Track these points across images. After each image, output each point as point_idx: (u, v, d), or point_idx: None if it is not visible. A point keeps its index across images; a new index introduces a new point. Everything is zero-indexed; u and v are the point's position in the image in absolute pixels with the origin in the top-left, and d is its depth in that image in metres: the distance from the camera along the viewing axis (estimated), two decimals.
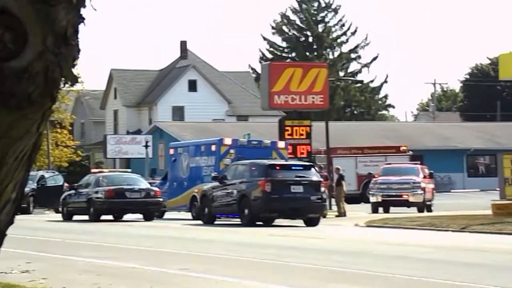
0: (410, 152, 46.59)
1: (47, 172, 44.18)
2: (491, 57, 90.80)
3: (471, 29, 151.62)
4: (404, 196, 35.35)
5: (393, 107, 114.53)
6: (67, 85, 2.34)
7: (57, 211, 36.49)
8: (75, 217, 31.85)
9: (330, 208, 33.73)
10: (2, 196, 2.23)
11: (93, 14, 2.44)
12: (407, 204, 35.51)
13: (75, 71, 2.30)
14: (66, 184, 39.77)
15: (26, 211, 36.79)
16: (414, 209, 35.29)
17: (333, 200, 34.57)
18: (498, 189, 25.91)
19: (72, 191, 32.49)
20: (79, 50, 2.29)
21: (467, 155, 61.54)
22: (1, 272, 11.65)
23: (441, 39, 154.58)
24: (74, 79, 2.31)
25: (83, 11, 2.30)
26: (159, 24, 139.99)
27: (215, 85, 66.85)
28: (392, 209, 35.41)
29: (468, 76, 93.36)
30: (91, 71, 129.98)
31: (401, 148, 46.68)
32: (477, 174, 61.44)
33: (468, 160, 61.88)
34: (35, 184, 38.93)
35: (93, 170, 38.07)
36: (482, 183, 57.71)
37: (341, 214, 32.87)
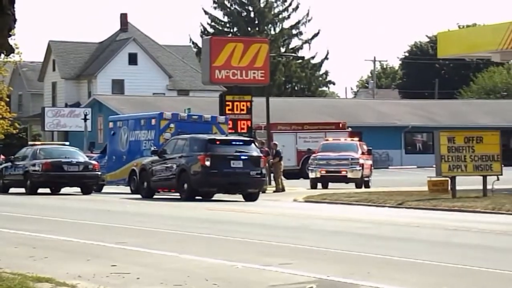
0: (349, 129, 46.97)
1: None
2: (430, 35, 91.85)
3: (411, 7, 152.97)
4: (343, 172, 35.65)
5: (334, 83, 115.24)
6: (3, 55, 2.31)
7: None
8: (12, 190, 31.46)
9: (270, 184, 33.88)
10: None
11: None
12: (346, 180, 35.83)
13: (11, 41, 2.27)
14: (2, 157, 39.20)
15: None
16: (352, 185, 35.64)
17: (272, 176, 34.72)
18: (434, 166, 26.28)
19: (9, 164, 32.06)
20: (15, 20, 2.26)
21: (405, 132, 62.28)
22: None
23: (381, 17, 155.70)
24: (10, 49, 2.28)
25: None
26: None
27: (155, 58, 66.36)
28: (330, 185, 35.71)
29: (407, 54, 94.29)
30: (29, 42, 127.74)
31: (341, 125, 47.03)
32: (415, 151, 62.27)
33: (406, 137, 62.64)
34: None
35: (31, 143, 37.55)
36: (419, 160, 58.53)
37: (279, 189, 33.05)
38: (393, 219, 19.58)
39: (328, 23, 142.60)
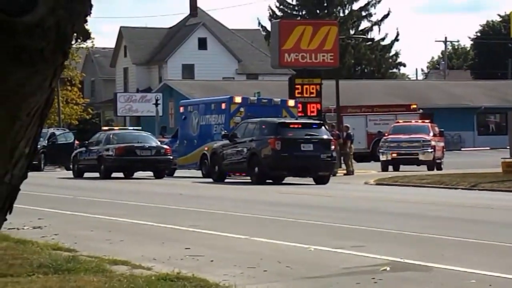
0: (421, 111, 46.47)
1: (57, 129, 44.32)
2: (502, 14, 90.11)
3: None
4: (414, 154, 35.36)
5: (404, 65, 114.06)
6: (79, 41, 2.35)
7: (68, 169, 36.68)
8: (86, 175, 32.02)
9: (340, 167, 33.79)
10: (15, 151, 2.26)
11: None
12: (417, 162, 35.53)
13: (86, 27, 2.31)
14: (76, 142, 39.92)
15: (37, 168, 36.98)
16: (424, 167, 35.32)
17: (342, 159, 34.60)
18: (508, 147, 25.87)
19: (83, 149, 32.61)
20: (91, 6, 2.29)
21: (478, 113, 61.35)
22: (14, 228, 11.77)
23: None
24: (86, 35, 2.32)
25: None
26: None
27: (225, 43, 66.59)
28: (402, 167, 35.45)
29: (479, 34, 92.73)
30: (101, 28, 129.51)
31: (412, 107, 46.56)
32: (487, 132, 61.30)
33: (479, 118, 61.71)
34: (46, 142, 39.09)
35: (104, 128, 38.15)
36: (492, 141, 57.61)
37: (350, 172, 32.94)
38: (466, 201, 19.36)
39: (398, 3, 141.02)
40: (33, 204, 16.56)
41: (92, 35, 50.45)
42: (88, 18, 2.35)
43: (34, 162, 2.48)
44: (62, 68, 2.33)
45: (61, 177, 33.18)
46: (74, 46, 2.53)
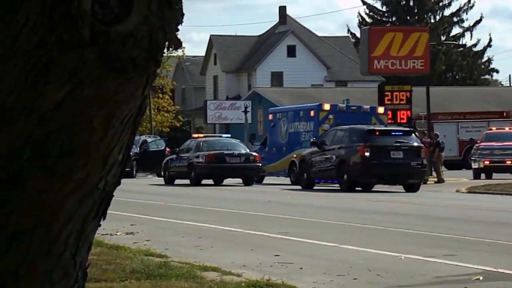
0: None
1: (149, 137, 45.02)
2: None
3: None
4: (508, 162, 34.64)
5: (497, 71, 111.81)
6: (171, 49, 2.38)
7: (159, 175, 37.19)
8: (177, 181, 32.41)
9: (431, 174, 33.33)
10: (109, 158, 2.30)
11: None
12: (511, 170, 34.78)
13: (178, 35, 2.33)
14: (167, 149, 40.46)
15: (130, 175, 37.63)
16: None
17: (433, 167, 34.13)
18: None
19: (174, 156, 33.04)
20: (182, 14, 2.32)
21: None
22: (107, 234, 11.99)
23: None
24: (178, 43, 2.34)
25: None
26: None
27: (313, 50, 66.55)
28: (494, 175, 34.75)
29: None
30: (191, 37, 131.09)
31: (505, 113, 45.61)
32: None
33: None
34: (138, 149, 39.74)
35: (194, 135, 38.56)
36: None
37: (441, 180, 32.46)
38: None
39: (491, 9, 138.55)
40: (126, 210, 16.84)
41: (183, 44, 51.12)
42: (179, 26, 2.37)
43: (126, 169, 2.51)
44: (154, 77, 2.35)
45: (152, 183, 33.67)
46: (165, 54, 2.55)
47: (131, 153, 2.45)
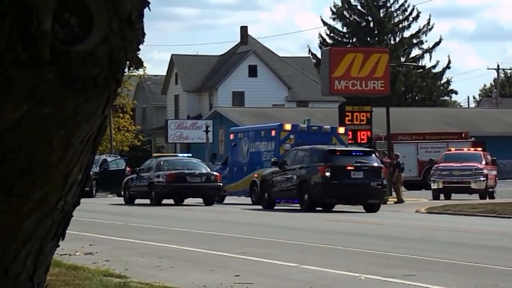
0: (472, 139, 45.98)
1: (109, 156, 44.75)
2: None
3: None
4: (466, 183, 34.96)
5: (456, 92, 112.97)
6: (132, 69, 2.38)
7: (119, 195, 36.95)
8: (137, 201, 32.22)
9: (391, 195, 33.53)
10: (68, 178, 2.28)
11: None
12: (469, 190, 35.11)
13: (139, 55, 2.33)
14: (128, 168, 40.23)
15: (89, 195, 37.32)
16: (476, 196, 34.87)
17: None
18: None
19: (134, 175, 32.86)
20: (143, 34, 2.31)
21: None
22: (66, 254, 11.87)
23: (504, 23, 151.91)
24: (138, 63, 2.34)
25: None
26: (220, 9, 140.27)
27: (275, 70, 66.81)
28: (453, 195, 35.05)
29: None
30: (152, 56, 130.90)
31: (463, 135, 46.10)
32: None
33: None
34: (98, 168, 39.47)
35: (154, 154, 38.41)
36: None
37: (400, 200, 32.68)
38: None
39: (449, 31, 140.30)
40: (85, 230, 16.69)
41: (144, 63, 51.01)
42: (140, 46, 2.37)
43: (86, 189, 2.50)
44: (115, 96, 2.35)
45: (112, 203, 33.44)
46: (126, 73, 2.55)
47: (91, 173, 2.43)
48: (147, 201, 31.27)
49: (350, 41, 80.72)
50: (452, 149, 39.03)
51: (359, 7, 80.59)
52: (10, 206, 2.16)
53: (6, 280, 2.19)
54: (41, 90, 2.15)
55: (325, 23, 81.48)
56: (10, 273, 2.20)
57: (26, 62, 2.12)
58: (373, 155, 27.59)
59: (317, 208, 26.45)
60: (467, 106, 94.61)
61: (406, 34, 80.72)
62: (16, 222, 2.19)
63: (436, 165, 36.76)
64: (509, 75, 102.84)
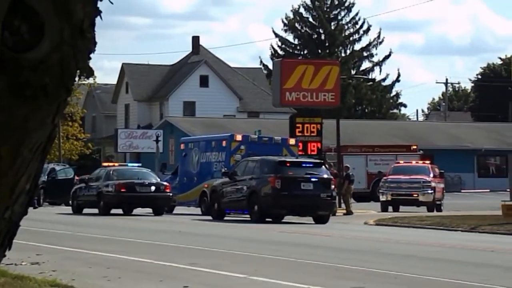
0: (421, 152, 46.50)
1: (57, 165, 44.31)
2: (503, 57, 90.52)
3: (483, 29, 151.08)
4: (414, 195, 35.31)
5: (405, 106, 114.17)
6: (82, 77, 2.36)
7: (67, 204, 36.60)
8: (85, 210, 31.94)
9: (340, 206, 33.73)
10: (16, 187, 2.25)
11: (108, 6, 2.45)
12: (417, 203, 35.47)
13: (89, 64, 2.32)
14: (76, 177, 39.88)
15: (37, 204, 36.86)
16: (424, 208, 35.24)
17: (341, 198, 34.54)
18: (508, 190, 25.85)
19: (83, 184, 32.57)
20: (95, 43, 2.30)
21: (478, 155, 61.38)
22: (12, 264, 11.71)
23: (453, 38, 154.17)
24: (89, 72, 2.32)
25: (99, 4, 2.31)
26: (172, 18, 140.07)
27: (226, 81, 66.89)
28: (401, 208, 35.38)
29: (479, 76, 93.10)
30: (103, 65, 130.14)
31: (412, 147, 46.61)
32: (488, 174, 61.28)
33: (479, 160, 61.72)
34: (46, 177, 39.05)
35: (104, 164, 38.15)
36: (492, 183, 57.56)
37: (350, 212, 32.89)
38: (466, 243, 19.27)
39: (399, 45, 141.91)
40: (31, 240, 16.49)
41: (94, 72, 50.60)
42: (91, 55, 2.35)
43: (34, 198, 2.47)
44: (65, 105, 2.33)
45: (60, 212, 33.09)
46: (76, 82, 2.53)
47: (38, 182, 2.40)
48: (96, 210, 31.01)
49: (302, 53, 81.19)
50: (401, 161, 39.43)
51: (310, 19, 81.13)
52: None
53: None
54: None
55: (276, 35, 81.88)
56: None
57: None
58: (323, 166, 27.74)
59: (267, 219, 26.48)
60: (416, 119, 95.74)
61: (357, 47, 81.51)
62: None
63: (385, 177, 37.09)
64: (457, 89, 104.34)
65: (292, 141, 32.60)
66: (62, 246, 16.55)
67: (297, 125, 35.97)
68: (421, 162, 39.63)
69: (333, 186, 27.25)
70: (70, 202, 33.64)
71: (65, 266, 13.08)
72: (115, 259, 14.49)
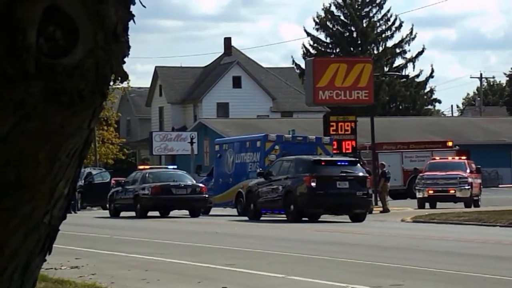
0: (457, 147, 46.16)
1: (94, 169, 44.62)
2: None
3: None
4: (451, 192, 35.06)
5: (439, 101, 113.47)
6: (117, 82, 2.37)
7: (104, 208, 36.84)
8: (122, 214, 32.12)
9: (376, 204, 33.58)
10: (55, 192, 2.27)
11: (141, 10, 2.46)
12: (454, 199, 35.21)
13: (124, 67, 2.33)
14: (113, 181, 40.13)
15: (75, 208, 37.13)
16: (461, 204, 34.98)
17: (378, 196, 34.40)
18: None
19: (119, 188, 32.75)
20: (129, 47, 2.31)
21: None
22: (52, 268, 11.81)
23: (486, 32, 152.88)
24: (124, 76, 2.34)
25: (132, 8, 2.32)
26: (203, 20, 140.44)
27: (259, 81, 66.90)
28: (438, 204, 35.15)
29: None
30: (136, 68, 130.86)
31: (448, 143, 46.27)
32: None
33: None
34: (83, 181, 39.34)
35: (140, 167, 38.34)
36: None
37: (386, 210, 32.74)
38: (505, 238, 19.09)
39: (432, 40, 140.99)
40: (71, 244, 16.62)
41: (128, 75, 50.87)
42: (125, 59, 2.37)
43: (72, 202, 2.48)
44: (101, 109, 2.34)
45: (97, 216, 33.32)
46: (111, 86, 2.54)
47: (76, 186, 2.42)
48: (133, 213, 31.18)
49: (334, 51, 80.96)
50: (437, 158, 39.16)
51: (342, 17, 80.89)
52: None
53: None
54: (27, 104, 2.14)
55: (308, 34, 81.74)
56: None
57: (12, 76, 2.11)
58: (358, 164, 27.64)
59: (303, 219, 26.44)
60: (450, 115, 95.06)
61: (389, 43, 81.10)
62: (3, 237, 2.18)
63: (421, 174, 36.86)
64: (491, 83, 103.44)
65: (326, 140, 32.53)
66: (101, 250, 16.67)
67: (331, 123, 35.88)
68: (457, 158, 39.33)
69: (369, 184, 27.14)
70: (107, 205, 33.85)
71: (104, 269, 13.17)
72: (153, 261, 14.55)
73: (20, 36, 2.11)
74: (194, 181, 32.61)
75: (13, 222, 2.17)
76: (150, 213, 31.07)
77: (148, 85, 71.73)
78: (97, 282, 11.01)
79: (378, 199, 33.81)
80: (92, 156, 53.96)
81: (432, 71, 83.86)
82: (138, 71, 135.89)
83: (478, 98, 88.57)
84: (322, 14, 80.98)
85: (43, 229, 2.26)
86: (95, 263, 14.13)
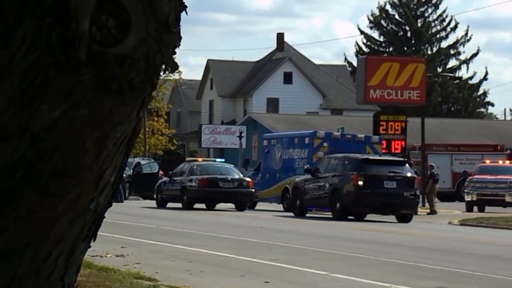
0: (508, 151, 45.55)
1: (143, 159, 44.96)
2: None
3: None
4: (501, 196, 34.63)
5: (492, 104, 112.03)
6: (167, 72, 2.38)
7: (151, 198, 37.11)
8: (169, 204, 32.33)
9: (423, 205, 33.32)
10: (101, 179, 2.29)
11: (194, 2, 2.47)
12: (503, 204, 34.78)
13: (174, 59, 2.33)
14: (161, 172, 40.40)
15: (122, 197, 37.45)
16: (511, 209, 34.52)
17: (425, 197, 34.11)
18: None
19: (167, 179, 32.96)
20: (180, 38, 2.32)
21: None
22: (97, 255, 11.94)
23: None
24: (174, 66, 2.35)
25: (186, 1, 2.33)
26: (256, 15, 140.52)
27: (310, 77, 66.76)
28: (487, 208, 34.75)
29: None
30: (188, 61, 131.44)
31: (499, 147, 45.70)
32: None
33: None
34: (131, 171, 39.65)
35: (188, 159, 38.52)
36: None
37: (434, 211, 32.46)
38: None
39: (487, 42, 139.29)
40: (117, 232, 16.78)
41: (179, 67, 51.18)
42: (176, 50, 2.37)
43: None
44: (150, 99, 2.35)
45: (144, 206, 33.59)
46: (161, 77, 2.55)
47: (124, 175, 2.44)
48: (179, 205, 31.36)
49: (387, 50, 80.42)
50: (487, 161, 38.71)
51: (396, 16, 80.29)
52: (44, 206, 2.18)
53: (37, 280, 2.21)
54: (77, 92, 2.16)
55: (361, 32, 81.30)
56: (41, 273, 2.21)
57: (64, 64, 2.14)
58: (407, 165, 27.44)
59: (349, 217, 26.35)
60: (503, 118, 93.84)
61: (444, 44, 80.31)
62: (49, 222, 2.20)
63: (470, 177, 36.47)
64: None
65: (375, 139, 32.35)
66: (146, 239, 16.79)
67: (381, 122, 35.67)
68: (508, 162, 38.83)
69: (417, 185, 26.94)
70: (155, 196, 34.10)
71: (148, 259, 13.27)
72: (197, 253, 14.63)
73: (73, 24, 2.13)
74: (241, 175, 32.68)
75: (59, 208, 2.20)
76: (196, 205, 31.22)
77: (200, 78, 72.03)
78: (141, 271, 11.10)
79: (426, 200, 33.53)
80: (142, 147, 54.35)
81: (486, 73, 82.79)
82: (190, 64, 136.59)
83: None
84: (377, 12, 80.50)
85: (89, 215, 2.28)
86: (140, 252, 14.24)
